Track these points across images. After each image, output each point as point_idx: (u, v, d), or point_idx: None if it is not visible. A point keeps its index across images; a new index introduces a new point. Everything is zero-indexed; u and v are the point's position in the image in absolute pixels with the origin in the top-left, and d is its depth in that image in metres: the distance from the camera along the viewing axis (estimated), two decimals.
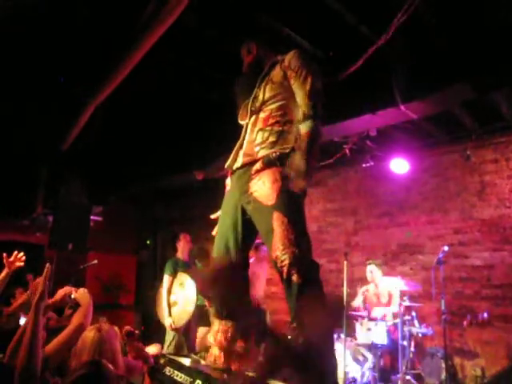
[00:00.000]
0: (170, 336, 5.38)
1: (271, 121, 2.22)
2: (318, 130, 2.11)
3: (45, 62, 4.41)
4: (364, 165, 6.65)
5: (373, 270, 5.83)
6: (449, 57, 3.99)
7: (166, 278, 5.53)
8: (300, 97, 2.18)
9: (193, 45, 4.00)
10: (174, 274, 5.54)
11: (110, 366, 2.04)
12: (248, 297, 2.40)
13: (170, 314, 5.37)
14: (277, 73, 2.29)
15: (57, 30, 3.81)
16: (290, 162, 2.06)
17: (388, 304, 5.66)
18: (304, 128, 2.11)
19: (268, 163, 2.14)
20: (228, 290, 2.28)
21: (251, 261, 5.83)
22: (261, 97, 2.29)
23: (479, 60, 3.89)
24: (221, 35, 3.29)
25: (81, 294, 2.62)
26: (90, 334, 2.55)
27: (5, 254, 3.19)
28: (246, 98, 2.38)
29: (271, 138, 2.19)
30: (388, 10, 3.48)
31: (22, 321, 3.38)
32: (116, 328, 2.80)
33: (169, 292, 5.47)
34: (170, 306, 5.41)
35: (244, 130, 2.36)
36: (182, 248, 5.83)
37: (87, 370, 1.93)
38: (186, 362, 2.39)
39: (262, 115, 2.26)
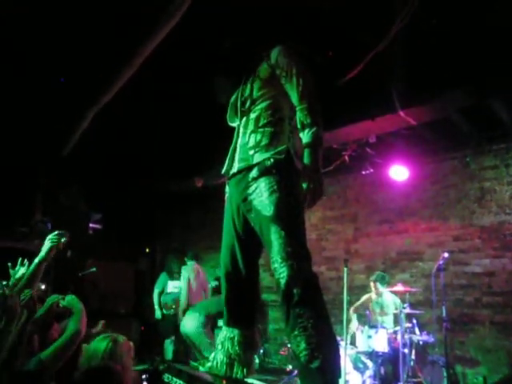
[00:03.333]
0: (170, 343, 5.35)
1: (262, 121, 2.15)
2: (319, 137, 2.03)
3: (46, 68, 4.41)
4: (363, 172, 6.65)
5: (378, 287, 5.78)
6: (448, 63, 4.01)
7: None
8: (294, 99, 2.13)
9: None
10: None
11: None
12: (257, 305, 2.37)
13: None
14: (264, 69, 2.23)
15: (59, 34, 3.82)
16: (302, 178, 1.98)
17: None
18: (305, 138, 2.04)
19: (264, 172, 2.06)
20: (237, 299, 2.26)
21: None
22: (249, 95, 2.23)
23: (478, 66, 3.90)
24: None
25: (70, 301, 2.53)
26: (103, 343, 2.49)
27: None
28: (231, 96, 2.32)
29: (264, 140, 2.12)
30: (387, 17, 3.50)
31: None
32: (131, 343, 2.72)
33: None
34: None
35: (236, 132, 2.30)
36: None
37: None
38: (185, 368, 2.36)
39: (252, 116, 2.19)
